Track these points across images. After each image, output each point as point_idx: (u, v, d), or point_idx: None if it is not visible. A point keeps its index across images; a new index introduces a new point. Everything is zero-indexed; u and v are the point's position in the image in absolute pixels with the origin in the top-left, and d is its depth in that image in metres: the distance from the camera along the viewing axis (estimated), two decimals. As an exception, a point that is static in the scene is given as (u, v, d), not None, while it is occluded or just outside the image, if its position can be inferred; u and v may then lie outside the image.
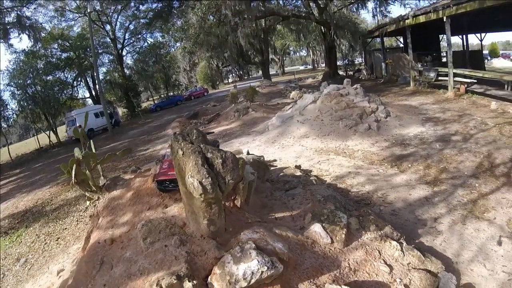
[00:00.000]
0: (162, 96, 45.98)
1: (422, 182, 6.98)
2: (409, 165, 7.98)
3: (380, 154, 8.99)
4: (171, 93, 45.02)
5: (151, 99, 47.40)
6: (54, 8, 29.63)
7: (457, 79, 14.75)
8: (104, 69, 37.59)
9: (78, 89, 35.79)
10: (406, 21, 17.22)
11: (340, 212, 3.96)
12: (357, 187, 7.08)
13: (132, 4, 32.56)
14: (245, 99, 20.44)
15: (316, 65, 66.87)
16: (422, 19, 15.80)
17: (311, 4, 24.79)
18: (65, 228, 7.84)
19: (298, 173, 7.56)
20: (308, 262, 3.05)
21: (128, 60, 39.55)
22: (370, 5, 24.48)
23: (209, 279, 2.83)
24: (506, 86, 13.43)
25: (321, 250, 3.34)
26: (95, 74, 28.16)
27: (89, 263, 3.73)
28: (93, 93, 34.69)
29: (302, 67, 77.31)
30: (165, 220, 3.67)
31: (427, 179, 7.09)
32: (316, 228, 3.57)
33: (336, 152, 9.64)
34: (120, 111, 34.25)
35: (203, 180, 2.62)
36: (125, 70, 36.74)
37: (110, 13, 33.09)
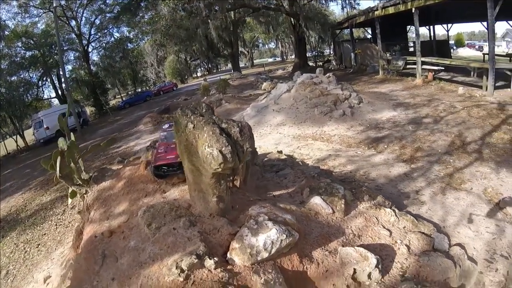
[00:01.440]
0: (130, 93, 44.44)
1: (400, 161, 7.43)
2: (385, 146, 8.43)
3: (356, 137, 9.40)
4: (139, 89, 43.60)
5: (119, 96, 45.62)
6: (18, 3, 27.67)
7: (425, 67, 15.58)
8: (69, 67, 35.78)
9: (44, 89, 34.13)
10: (376, 12, 17.82)
11: (337, 184, 4.14)
12: (339, 167, 7.38)
13: None
14: (217, 91, 20.32)
15: (285, 57, 67.36)
16: (391, 10, 16.43)
17: (281, -4, 24.97)
18: (44, 234, 7.47)
19: (283, 156, 7.75)
20: (316, 231, 3.18)
21: (94, 56, 38.05)
22: (339, -4, 25.00)
23: (228, 254, 2.84)
24: (472, 73, 14.37)
25: (325, 220, 3.50)
26: (61, 72, 26.66)
27: (89, 259, 3.58)
28: (59, 92, 32.93)
29: (271, 59, 77.63)
30: (168, 203, 3.61)
31: (403, 157, 7.55)
32: (317, 200, 3.71)
33: (314, 137, 9.94)
34: (88, 110, 32.74)
35: (223, 149, 2.58)
36: (92, 67, 35.12)
37: (76, 8, 31.32)
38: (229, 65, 51.74)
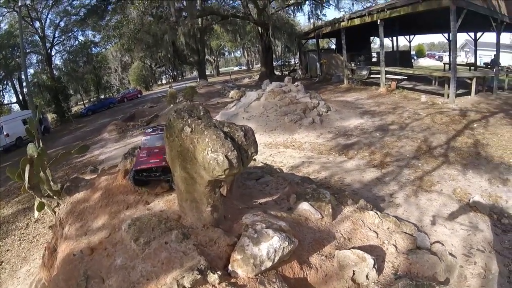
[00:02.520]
0: (93, 99, 42.37)
1: (371, 166, 7.78)
2: (355, 153, 8.78)
3: (326, 144, 9.70)
4: (103, 96, 41.70)
5: (81, 103, 43.28)
6: None
7: (388, 76, 16.49)
8: (31, 71, 33.61)
9: (4, 93, 31.96)
10: (342, 23, 18.64)
11: (323, 189, 4.23)
12: (313, 174, 7.53)
13: (64, 0, 29.60)
14: (184, 99, 19.98)
15: (250, 66, 68.00)
16: (357, 21, 17.29)
17: (249, 5, 25.23)
18: (8, 250, 6.84)
19: (259, 164, 7.77)
20: (309, 237, 3.21)
21: (57, 60, 35.98)
22: (306, 8, 25.86)
23: (230, 267, 2.75)
24: (433, 82, 15.33)
25: (315, 225, 3.55)
26: (23, 76, 24.73)
27: (69, 281, 3.24)
28: (20, 97, 30.81)
29: (236, 68, 77.93)
30: (155, 215, 3.43)
31: (374, 163, 7.92)
32: (305, 206, 3.76)
33: (285, 145, 10.09)
34: (49, 116, 30.69)
35: (229, 154, 2.45)
36: (54, 72, 33.06)
37: (41, 9, 29.41)
38: (195, 73, 51.15)
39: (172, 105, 19.62)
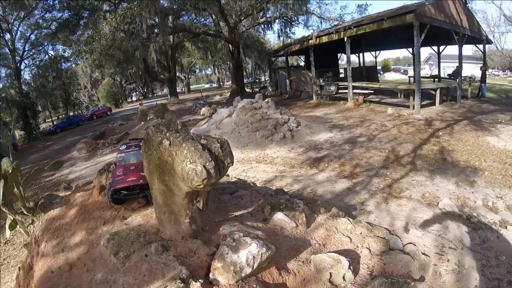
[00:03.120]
0: (62, 116, 40.71)
1: (341, 177, 8.12)
2: (326, 165, 9.13)
3: (298, 158, 10.00)
4: (72, 113, 40.23)
5: (49, 120, 41.40)
6: None
7: (356, 91, 17.32)
8: (0, 85, 31.90)
9: None
10: (310, 41, 19.46)
11: (296, 199, 4.44)
12: (286, 187, 7.71)
13: (36, 12, 28.90)
14: (155, 116, 19.77)
15: (221, 83, 68.55)
16: (325, 39, 18.13)
17: (221, 23, 25.81)
18: (-26, 272, 6.37)
19: (233, 179, 7.91)
20: (285, 245, 3.37)
21: (27, 75, 34.89)
22: (276, 26, 26.85)
23: (211, 275, 2.82)
24: (399, 94, 16.35)
25: (290, 233, 3.72)
26: None
27: None
28: None
29: (207, 85, 78.28)
30: (134, 230, 3.45)
31: (344, 174, 8.27)
32: (280, 216, 3.94)
33: (258, 160, 10.29)
34: (17, 133, 29.11)
35: (207, 164, 2.57)
36: (23, 86, 31.85)
37: (12, 20, 28.59)
38: (165, 90, 50.77)
39: (142, 122, 19.35)
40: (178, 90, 47.24)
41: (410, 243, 4.09)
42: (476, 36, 17.21)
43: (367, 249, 3.50)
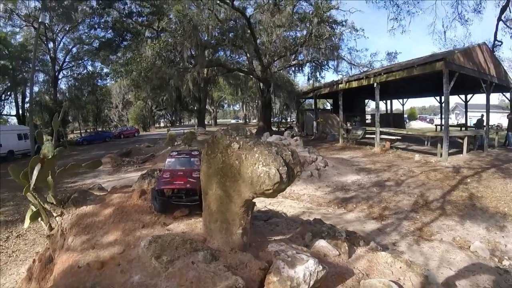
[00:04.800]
0: (90, 130, 42.47)
1: (370, 218, 7.96)
2: (354, 206, 8.95)
3: (325, 197, 9.88)
4: (100, 129, 41.94)
5: (77, 131, 43.23)
6: (4, 8, 26.74)
7: (383, 136, 17.24)
8: (36, 89, 33.49)
9: (5, 104, 31.88)
10: (340, 85, 19.92)
11: (338, 228, 4.27)
12: (316, 222, 7.57)
13: (81, 27, 31.23)
14: (183, 143, 20.21)
15: (247, 120, 70.13)
16: (354, 84, 18.51)
17: (254, 62, 26.96)
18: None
19: (264, 209, 7.76)
20: (330, 270, 3.20)
21: (63, 85, 36.45)
22: (306, 69, 27.80)
23: None
24: (426, 142, 16.22)
25: (333, 261, 3.55)
26: (27, 91, 24.78)
27: None
28: (20, 112, 30.73)
29: (234, 121, 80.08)
30: (179, 236, 3.36)
31: (373, 215, 8.11)
32: (322, 243, 3.78)
33: (284, 196, 10.03)
34: (44, 138, 30.23)
35: (280, 168, 2.55)
36: (58, 95, 33.47)
37: (57, 31, 30.96)
38: (192, 121, 52.33)
39: (169, 147, 19.78)
40: (205, 122, 48.68)
41: (446, 282, 4.04)
42: (503, 84, 17.23)
43: (409, 281, 3.30)
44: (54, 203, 4.28)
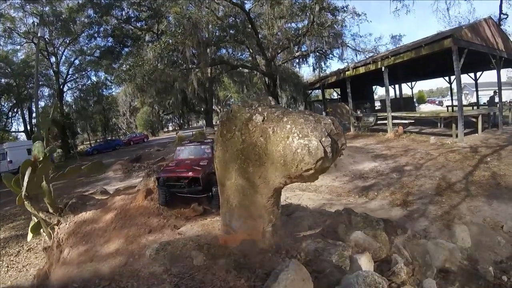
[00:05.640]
0: (99, 140, 42.73)
1: (394, 205, 7.57)
2: (376, 194, 8.57)
3: (344, 187, 9.48)
4: (110, 137, 42.14)
5: (87, 142, 43.55)
6: (3, 27, 27.02)
7: (395, 121, 16.67)
8: (42, 103, 33.80)
9: (13, 121, 32.26)
10: (347, 72, 19.28)
11: (373, 217, 3.78)
12: (339, 214, 7.15)
13: (81, 39, 31.07)
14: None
15: (255, 116, 69.57)
16: (362, 70, 17.85)
17: (257, 57, 26.38)
18: (-8, 277, 6.15)
19: (284, 203, 7.33)
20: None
21: (68, 97, 36.44)
22: (311, 60, 27.02)
23: None
24: (439, 124, 15.75)
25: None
26: (33, 106, 24.89)
27: None
28: (28, 127, 30.98)
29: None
30: (191, 240, 2.86)
31: (397, 202, 7.72)
32: (360, 235, 3.33)
33: (301, 188, 9.71)
34: (39, 144, 30.46)
35: (323, 139, 1.93)
36: (64, 108, 33.41)
37: (57, 45, 30.90)
38: (200, 122, 52.04)
39: (180, 148, 19.54)
40: (214, 122, 48.38)
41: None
42: (513, 58, 16.39)
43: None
44: (51, 211, 3.89)
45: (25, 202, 3.79)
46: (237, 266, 2.33)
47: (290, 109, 2.38)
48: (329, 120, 2.17)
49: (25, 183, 3.51)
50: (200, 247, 2.66)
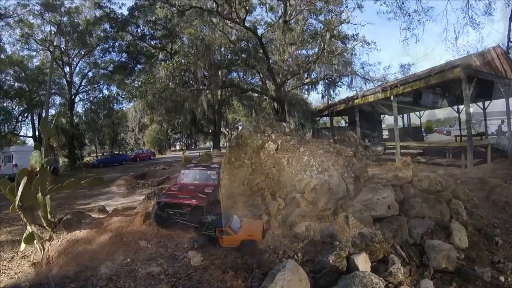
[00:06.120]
0: (106, 153, 42.97)
1: None
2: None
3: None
4: (116, 151, 42.37)
5: (94, 154, 43.78)
6: (21, 33, 28.08)
7: (403, 151, 16.50)
8: (52, 111, 33.91)
9: (22, 125, 32.38)
10: (356, 100, 19.27)
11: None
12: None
13: (96, 52, 32.04)
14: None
15: (263, 141, 69.37)
16: (371, 98, 17.83)
17: (267, 82, 26.75)
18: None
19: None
20: None
21: (79, 108, 37.03)
22: (320, 87, 27.19)
23: None
24: (447, 154, 15.56)
25: None
26: (43, 113, 25.20)
27: None
28: (36, 133, 31.10)
29: (248, 141, 79.65)
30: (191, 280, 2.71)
31: None
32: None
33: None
34: (60, 160, 30.72)
35: (345, 175, 1.79)
36: (74, 118, 33.93)
37: (73, 55, 31.83)
38: (207, 143, 52.16)
39: (185, 168, 19.52)
40: (221, 144, 48.44)
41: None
42: (521, 87, 16.23)
43: None
44: (44, 224, 3.76)
45: (19, 212, 3.67)
46: (234, 266, 2.23)
47: (307, 138, 2.27)
48: (351, 152, 2.08)
49: (19, 193, 3.41)
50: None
